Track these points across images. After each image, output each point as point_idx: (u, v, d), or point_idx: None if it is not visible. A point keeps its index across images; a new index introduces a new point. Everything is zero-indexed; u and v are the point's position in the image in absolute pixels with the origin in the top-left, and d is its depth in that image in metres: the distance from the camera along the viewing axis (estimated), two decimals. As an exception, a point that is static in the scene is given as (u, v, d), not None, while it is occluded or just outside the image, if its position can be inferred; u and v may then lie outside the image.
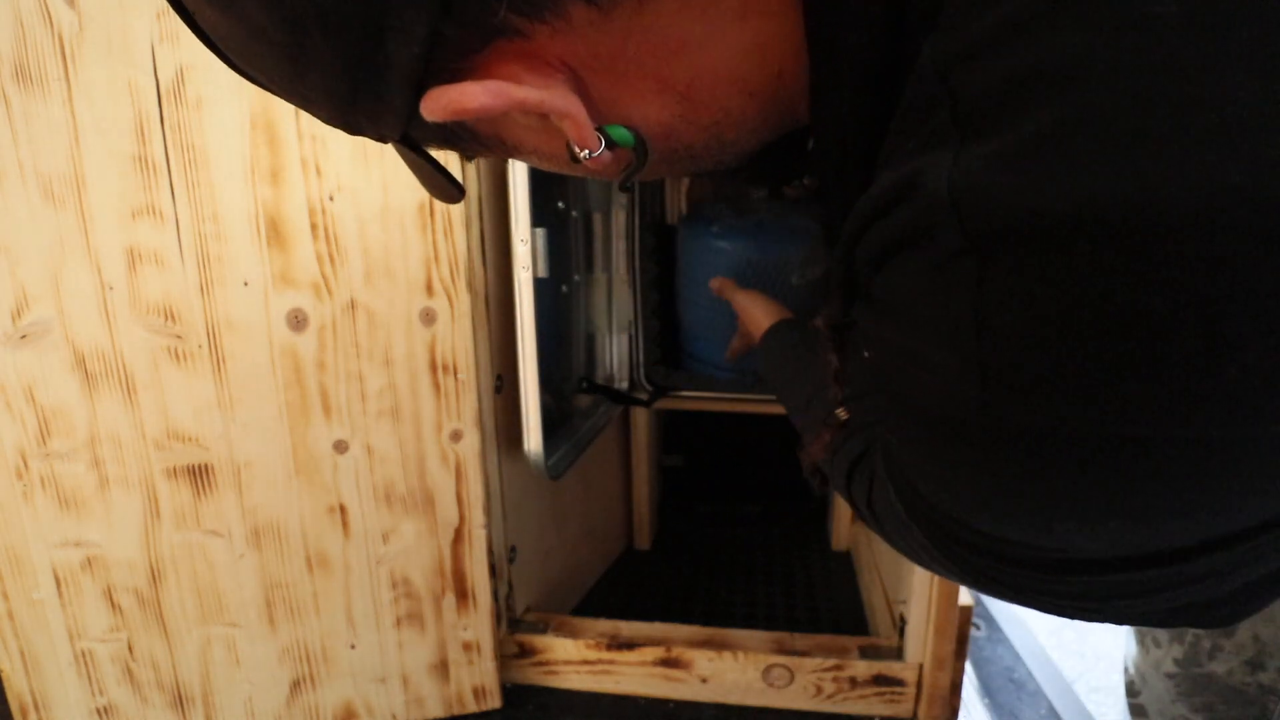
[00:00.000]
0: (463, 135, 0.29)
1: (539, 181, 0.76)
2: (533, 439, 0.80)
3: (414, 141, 0.30)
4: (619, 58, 0.26)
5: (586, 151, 0.27)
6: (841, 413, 0.46)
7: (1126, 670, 0.77)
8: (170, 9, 0.27)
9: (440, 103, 0.25)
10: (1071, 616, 0.29)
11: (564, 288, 0.95)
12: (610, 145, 0.28)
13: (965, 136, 0.20)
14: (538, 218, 0.76)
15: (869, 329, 0.26)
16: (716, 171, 0.34)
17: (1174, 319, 0.17)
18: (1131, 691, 0.76)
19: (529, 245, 0.75)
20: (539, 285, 0.77)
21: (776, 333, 0.71)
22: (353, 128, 0.28)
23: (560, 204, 0.91)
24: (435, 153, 0.32)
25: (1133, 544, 0.23)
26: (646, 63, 0.26)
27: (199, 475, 0.73)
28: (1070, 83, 0.18)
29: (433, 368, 0.74)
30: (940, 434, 0.24)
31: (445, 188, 0.33)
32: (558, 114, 0.26)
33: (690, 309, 1.02)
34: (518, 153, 0.31)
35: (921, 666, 0.81)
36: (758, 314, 0.76)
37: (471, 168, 0.72)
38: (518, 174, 0.73)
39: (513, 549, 0.88)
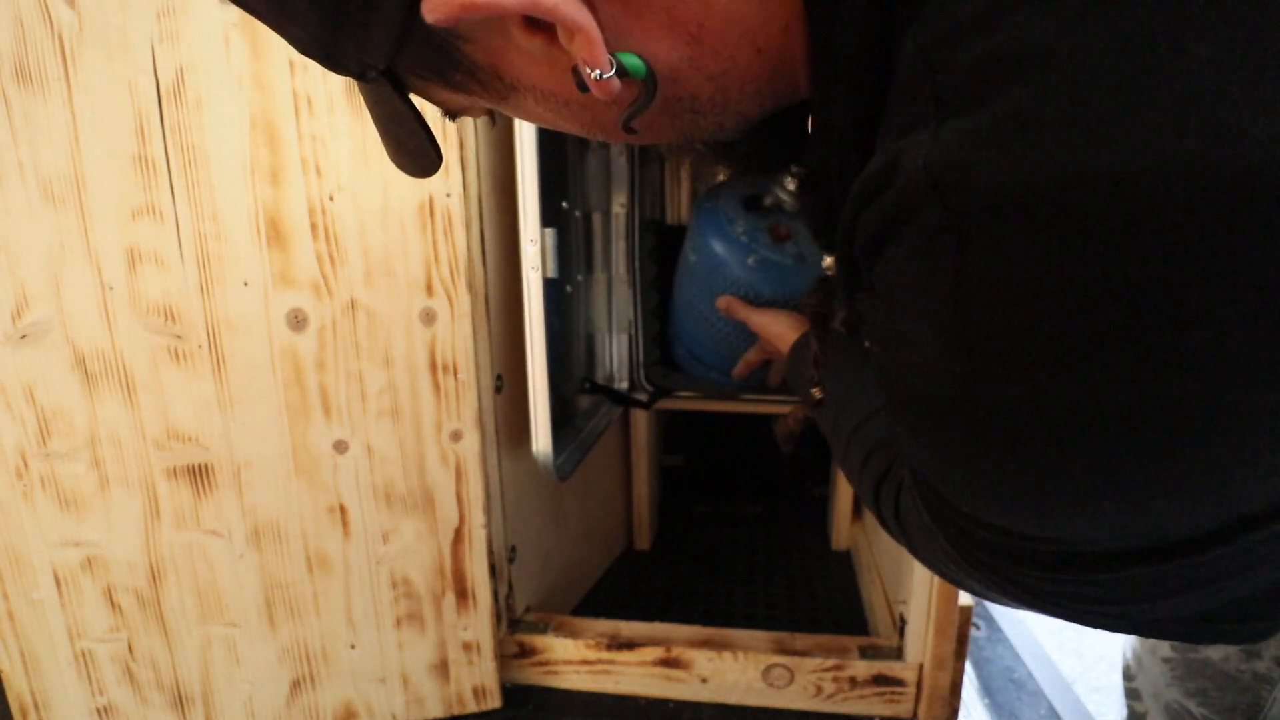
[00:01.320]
0: (457, 64, 0.28)
1: (545, 181, 0.75)
2: (541, 439, 0.80)
3: (398, 78, 0.28)
4: None
5: (597, 72, 0.26)
6: (816, 392, 0.46)
7: (1125, 654, 0.77)
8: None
9: None
10: (1097, 625, 0.28)
11: (568, 288, 0.95)
12: (620, 74, 0.26)
13: (943, 116, 0.20)
14: (545, 218, 0.75)
15: (870, 318, 0.26)
16: (712, 148, 0.33)
17: (1143, 287, 0.18)
18: (1128, 675, 0.76)
19: (538, 245, 0.74)
20: (546, 286, 0.77)
21: (805, 344, 0.70)
22: (334, 53, 0.27)
23: (564, 204, 0.91)
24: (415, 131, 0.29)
25: (1135, 532, 0.23)
26: None
27: (199, 475, 0.73)
28: (1041, 61, 0.18)
29: (433, 368, 0.74)
30: (929, 415, 0.24)
31: (423, 151, 0.31)
32: (570, 26, 0.24)
33: (696, 316, 1.00)
34: (514, 93, 0.29)
35: (921, 666, 0.81)
36: (780, 329, 0.75)
37: (472, 165, 0.72)
38: (527, 173, 0.73)
39: (513, 549, 0.88)
